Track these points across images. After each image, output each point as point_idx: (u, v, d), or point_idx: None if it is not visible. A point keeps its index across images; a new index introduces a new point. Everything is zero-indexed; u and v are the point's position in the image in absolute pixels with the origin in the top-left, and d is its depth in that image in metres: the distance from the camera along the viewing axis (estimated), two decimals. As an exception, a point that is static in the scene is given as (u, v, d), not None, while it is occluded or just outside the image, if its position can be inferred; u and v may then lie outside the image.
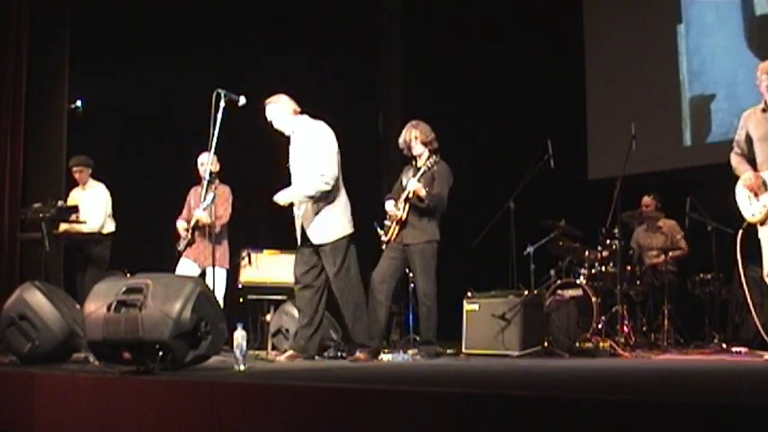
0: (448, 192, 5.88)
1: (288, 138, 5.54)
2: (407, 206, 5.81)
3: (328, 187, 5.31)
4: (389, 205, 5.84)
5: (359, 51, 9.64)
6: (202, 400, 3.21)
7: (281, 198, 5.35)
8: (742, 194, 5.06)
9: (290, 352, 5.45)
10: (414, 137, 5.92)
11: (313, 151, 5.35)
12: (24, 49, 7.70)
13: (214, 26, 8.82)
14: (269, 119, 5.48)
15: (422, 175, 5.79)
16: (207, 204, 5.85)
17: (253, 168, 8.75)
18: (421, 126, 5.96)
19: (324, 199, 5.36)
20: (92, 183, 7.35)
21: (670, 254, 7.32)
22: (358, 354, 5.39)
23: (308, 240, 5.39)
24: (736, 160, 5.16)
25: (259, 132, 8.71)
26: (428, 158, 5.84)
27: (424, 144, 5.91)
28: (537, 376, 3.82)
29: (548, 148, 6.70)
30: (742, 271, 5.30)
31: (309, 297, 5.41)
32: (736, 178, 5.12)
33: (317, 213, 5.36)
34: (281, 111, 5.47)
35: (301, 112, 5.52)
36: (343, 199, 5.48)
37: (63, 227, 6.97)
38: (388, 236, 5.84)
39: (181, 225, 6.60)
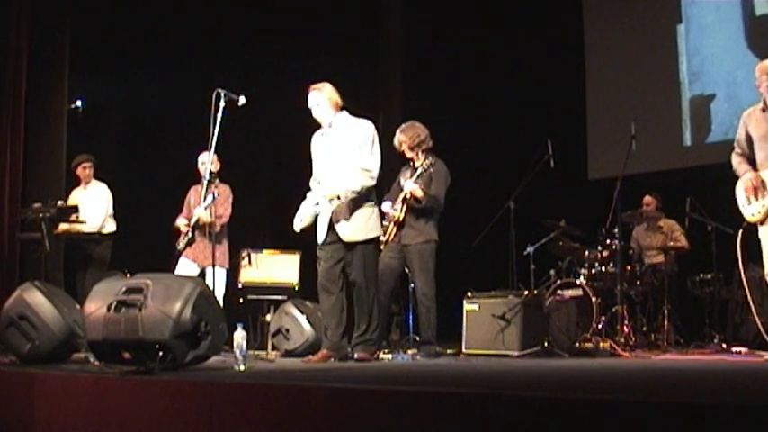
0: (445, 191, 5.88)
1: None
2: (405, 207, 5.81)
3: (373, 182, 5.26)
4: (386, 206, 5.84)
5: (359, 51, 9.64)
6: (202, 400, 3.21)
7: (330, 192, 5.20)
8: (741, 194, 5.06)
9: (324, 351, 5.27)
10: (401, 142, 5.92)
11: (359, 147, 5.25)
12: (24, 49, 7.69)
13: (214, 26, 8.82)
14: (310, 105, 5.33)
15: (419, 176, 5.79)
16: (208, 203, 5.86)
17: (253, 168, 8.76)
18: (408, 131, 5.92)
19: (364, 197, 5.27)
20: (94, 182, 7.35)
21: (669, 244, 7.32)
22: (361, 353, 5.28)
23: (337, 237, 5.24)
24: (736, 160, 5.15)
25: (260, 132, 8.80)
26: (424, 159, 5.83)
27: (413, 148, 5.89)
28: (537, 376, 3.81)
29: (548, 147, 6.70)
30: (742, 271, 5.30)
31: (336, 297, 5.27)
32: (736, 178, 5.11)
33: (354, 211, 5.23)
34: (323, 99, 5.31)
35: (343, 108, 5.38)
36: (375, 200, 5.38)
37: (63, 227, 6.96)
38: (387, 236, 5.83)
39: (181, 222, 6.60)
